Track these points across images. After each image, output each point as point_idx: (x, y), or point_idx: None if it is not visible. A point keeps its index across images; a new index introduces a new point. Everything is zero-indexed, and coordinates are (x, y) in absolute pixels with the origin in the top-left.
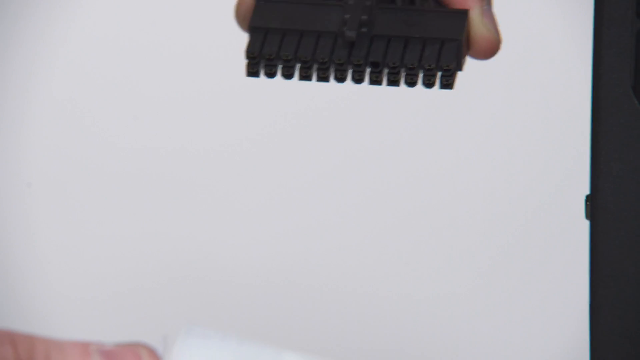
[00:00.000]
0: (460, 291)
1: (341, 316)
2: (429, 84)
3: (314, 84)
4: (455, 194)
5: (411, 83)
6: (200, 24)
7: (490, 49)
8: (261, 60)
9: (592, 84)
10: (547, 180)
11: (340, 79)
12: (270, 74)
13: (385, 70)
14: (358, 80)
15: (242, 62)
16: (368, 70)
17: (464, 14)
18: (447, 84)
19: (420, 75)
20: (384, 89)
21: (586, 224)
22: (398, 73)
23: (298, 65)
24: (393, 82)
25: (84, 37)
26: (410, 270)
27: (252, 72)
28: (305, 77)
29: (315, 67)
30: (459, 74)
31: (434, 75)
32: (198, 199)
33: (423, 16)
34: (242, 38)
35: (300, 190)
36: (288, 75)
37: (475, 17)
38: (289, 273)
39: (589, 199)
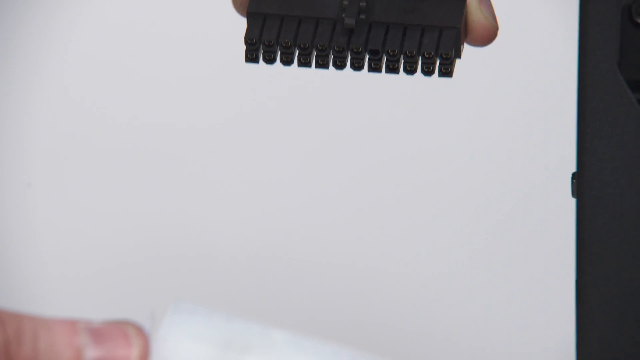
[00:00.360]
0: (451, 269)
1: (330, 295)
2: (427, 72)
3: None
4: (443, 171)
5: (410, 71)
6: (197, 6)
7: (487, 36)
8: (260, 46)
9: (578, 60)
10: (533, 158)
11: (340, 65)
12: (269, 60)
13: (385, 58)
14: (357, 67)
15: (236, 42)
16: (367, 57)
17: (462, 1)
18: (446, 72)
19: (419, 63)
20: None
21: (572, 202)
22: (397, 60)
23: (297, 52)
24: (392, 69)
25: (84, 38)
26: (401, 251)
27: (250, 58)
28: (304, 63)
29: (314, 53)
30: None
31: (433, 63)
32: (185, 177)
33: (421, 3)
34: (238, 22)
35: (291, 168)
36: (287, 62)
37: (473, 4)
38: (278, 250)
39: (575, 176)
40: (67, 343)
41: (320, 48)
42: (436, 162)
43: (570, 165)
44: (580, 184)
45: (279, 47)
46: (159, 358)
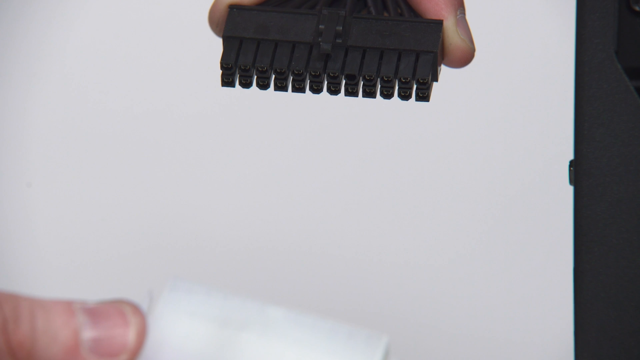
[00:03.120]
0: (450, 257)
1: (329, 287)
2: (405, 96)
3: None
4: (441, 161)
5: (387, 95)
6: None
7: (464, 59)
8: (236, 70)
9: (576, 48)
10: (531, 146)
11: (316, 90)
12: (246, 84)
13: (361, 82)
14: (334, 91)
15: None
16: (344, 81)
17: (438, 24)
18: (423, 96)
19: (396, 88)
20: None
21: (570, 190)
22: (374, 85)
23: (273, 76)
24: (369, 93)
25: (84, 38)
26: (399, 243)
27: (226, 82)
28: (280, 87)
29: (290, 78)
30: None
31: (410, 88)
32: (183, 170)
33: (398, 26)
34: None
35: (291, 159)
36: (263, 86)
37: (450, 27)
38: (278, 241)
39: (572, 164)
40: (65, 322)
41: (297, 73)
42: (434, 152)
43: (568, 152)
44: (578, 171)
45: (255, 72)
46: (156, 335)
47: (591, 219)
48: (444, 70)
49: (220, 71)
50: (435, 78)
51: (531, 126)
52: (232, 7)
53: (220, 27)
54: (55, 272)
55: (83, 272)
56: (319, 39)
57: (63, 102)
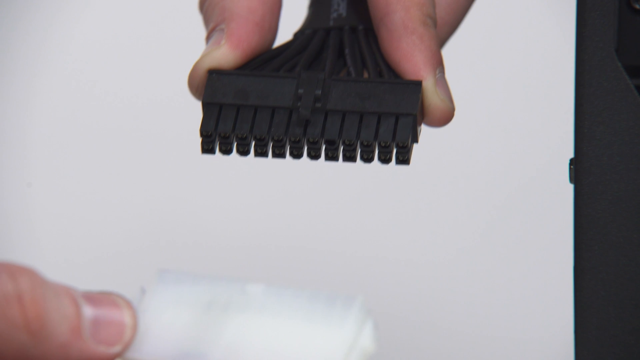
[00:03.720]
0: (449, 255)
1: (326, 276)
2: (385, 160)
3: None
4: (442, 159)
5: (367, 159)
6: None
7: (444, 119)
8: (216, 137)
9: (576, 46)
10: (531, 144)
11: (296, 155)
12: (226, 151)
13: (341, 147)
14: (314, 156)
15: None
16: (324, 146)
17: (417, 85)
18: (404, 159)
19: (376, 152)
20: None
21: (570, 188)
22: (354, 149)
23: (253, 143)
24: (349, 158)
25: (85, 38)
26: (398, 240)
27: (206, 149)
28: (260, 153)
29: (270, 144)
30: None
31: (390, 152)
32: (182, 161)
33: (377, 88)
34: None
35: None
36: (243, 152)
37: (429, 87)
38: (277, 238)
39: (572, 162)
40: (71, 302)
41: (277, 139)
42: (434, 150)
43: (568, 151)
44: (578, 169)
45: (234, 139)
46: (142, 327)
47: (591, 217)
48: (447, 69)
49: (200, 138)
50: (415, 140)
51: (531, 124)
52: (211, 72)
53: (199, 92)
54: (56, 272)
55: (83, 272)
56: (298, 104)
57: (63, 102)
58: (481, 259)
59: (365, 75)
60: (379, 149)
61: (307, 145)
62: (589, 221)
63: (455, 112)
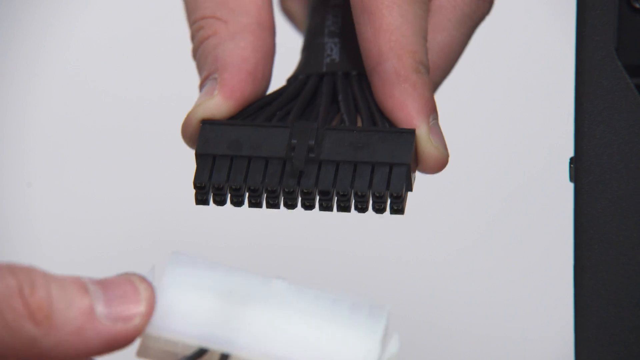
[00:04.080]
0: (449, 254)
1: (326, 275)
2: (379, 209)
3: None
4: None
5: (361, 209)
6: None
7: (437, 167)
8: (209, 189)
9: (576, 45)
10: (531, 143)
11: (291, 205)
12: (219, 202)
13: (335, 197)
14: (308, 207)
15: None
16: (317, 197)
17: (411, 134)
18: (398, 209)
19: (370, 202)
20: None
21: (570, 187)
22: (348, 200)
23: (247, 194)
24: (343, 208)
25: (84, 38)
26: (398, 239)
27: (200, 200)
28: (254, 204)
29: (264, 194)
30: None
31: (384, 202)
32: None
33: (370, 137)
34: None
35: None
36: (237, 203)
37: (422, 135)
38: (278, 229)
39: (572, 161)
40: (78, 289)
41: (270, 190)
42: None
43: (568, 150)
44: (578, 168)
45: (228, 190)
46: (164, 305)
47: (591, 216)
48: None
49: (194, 190)
50: (409, 189)
51: (531, 123)
52: (204, 123)
53: (192, 141)
54: (56, 272)
55: (84, 273)
56: (292, 154)
57: (63, 102)
58: (481, 258)
59: (359, 122)
60: (373, 199)
61: (301, 195)
62: (589, 220)
63: (454, 112)
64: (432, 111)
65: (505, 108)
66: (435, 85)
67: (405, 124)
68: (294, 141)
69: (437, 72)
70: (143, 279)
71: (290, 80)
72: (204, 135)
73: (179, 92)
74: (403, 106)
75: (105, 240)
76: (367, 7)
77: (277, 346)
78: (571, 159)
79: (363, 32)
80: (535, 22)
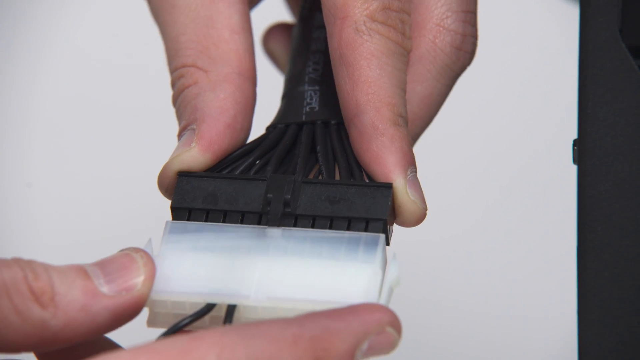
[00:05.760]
0: (452, 237)
1: None
2: None
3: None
4: (444, 140)
5: None
6: None
7: (415, 221)
8: None
9: (580, 26)
10: (534, 125)
11: None
12: None
13: None
14: None
15: None
16: None
17: (388, 188)
18: None
19: None
20: None
21: (574, 169)
22: None
23: None
24: None
25: (84, 38)
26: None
27: None
28: None
29: None
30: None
31: None
32: None
33: (347, 191)
34: None
35: None
36: None
37: (400, 188)
38: None
39: (576, 143)
40: (77, 272)
41: None
42: (437, 131)
43: (572, 132)
44: (582, 150)
45: None
46: (164, 273)
47: (595, 198)
48: None
49: None
50: (386, 243)
51: (535, 106)
52: (180, 175)
53: (169, 192)
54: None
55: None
56: (268, 208)
57: (63, 102)
58: (483, 240)
59: (338, 173)
60: None
61: None
62: (593, 202)
63: (456, 91)
64: (409, 164)
65: (508, 91)
66: (415, 135)
67: (382, 178)
68: (269, 195)
69: (417, 122)
70: (138, 249)
71: (270, 129)
72: (180, 189)
73: None
74: (380, 160)
75: (106, 240)
76: (346, 59)
77: (280, 289)
78: (574, 141)
79: (341, 84)
80: (540, 3)
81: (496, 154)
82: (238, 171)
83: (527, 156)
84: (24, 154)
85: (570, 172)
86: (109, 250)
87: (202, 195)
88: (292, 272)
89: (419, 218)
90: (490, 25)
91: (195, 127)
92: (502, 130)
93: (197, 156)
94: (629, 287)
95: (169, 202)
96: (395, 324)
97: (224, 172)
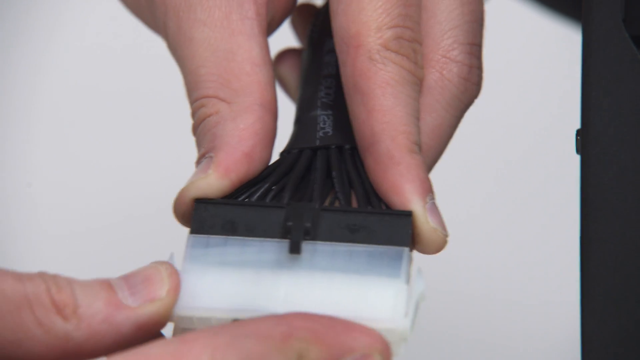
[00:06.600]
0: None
1: None
2: None
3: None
4: None
5: None
6: None
7: (436, 248)
8: None
9: (583, 16)
10: (537, 115)
11: None
12: None
13: None
14: None
15: None
16: None
17: (408, 216)
18: None
19: None
20: None
21: (577, 159)
22: None
23: None
24: None
25: (84, 38)
26: None
27: None
28: None
29: None
30: None
31: None
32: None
33: (367, 219)
34: None
35: None
36: None
37: (419, 217)
38: None
39: (579, 133)
40: (101, 285)
41: None
42: None
43: (575, 121)
44: (585, 140)
45: None
46: (189, 288)
47: (598, 187)
48: None
49: None
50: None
51: (538, 95)
52: (198, 202)
53: (185, 219)
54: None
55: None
56: (288, 236)
57: (63, 102)
58: (486, 230)
59: (354, 199)
60: None
61: None
62: (596, 192)
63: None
64: (428, 191)
65: (511, 81)
66: (428, 166)
67: (401, 207)
68: (289, 223)
69: (429, 153)
70: (163, 262)
71: (284, 154)
72: (198, 215)
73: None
74: (398, 188)
75: (106, 240)
76: (360, 87)
77: (307, 305)
78: (578, 130)
79: (356, 112)
80: None
81: (499, 144)
82: (255, 197)
83: (530, 146)
84: (24, 154)
85: (573, 162)
86: (109, 250)
87: (220, 223)
88: (317, 287)
89: (440, 246)
90: (494, 15)
91: (212, 154)
92: (505, 120)
93: (213, 183)
94: (632, 276)
95: (169, 202)
96: (385, 354)
97: (240, 198)
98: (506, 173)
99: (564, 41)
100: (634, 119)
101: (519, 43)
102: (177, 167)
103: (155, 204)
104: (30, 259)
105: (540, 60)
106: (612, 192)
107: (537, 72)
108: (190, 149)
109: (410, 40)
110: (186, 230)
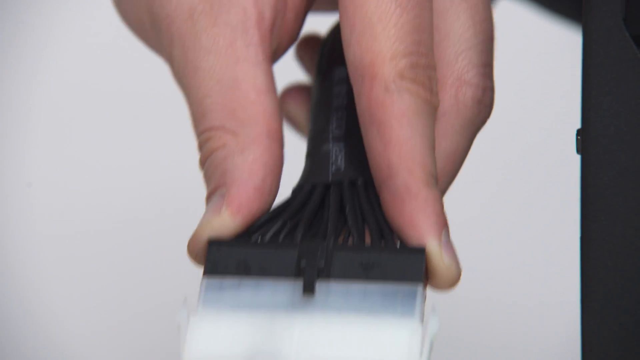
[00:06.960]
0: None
1: None
2: None
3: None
4: None
5: None
6: None
7: (449, 285)
8: None
9: (583, 15)
10: (538, 115)
11: None
12: None
13: None
14: None
15: None
16: None
17: (421, 253)
18: None
19: None
20: None
21: (577, 159)
22: None
23: None
24: None
25: (84, 38)
26: None
27: None
28: None
29: None
30: None
31: None
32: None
33: (380, 257)
34: None
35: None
36: None
37: (435, 254)
38: None
39: (579, 133)
40: None
41: None
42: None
43: (575, 121)
44: (585, 140)
45: None
46: (204, 335)
47: (598, 188)
48: None
49: None
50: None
51: (538, 95)
52: (211, 243)
53: (199, 259)
54: (56, 272)
55: (84, 273)
56: (303, 276)
57: (63, 102)
58: (487, 230)
59: (367, 235)
60: None
61: None
62: (596, 192)
63: None
64: (443, 227)
65: (511, 81)
66: (442, 192)
67: (416, 241)
68: (302, 264)
69: (444, 178)
70: None
71: (296, 191)
72: (212, 256)
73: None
74: (414, 224)
75: (106, 240)
76: (376, 118)
77: (321, 349)
78: (578, 130)
79: (372, 144)
80: None
81: (499, 144)
82: (267, 236)
83: (530, 146)
84: (24, 154)
85: (573, 162)
86: (109, 249)
87: (233, 264)
88: (332, 330)
89: (454, 282)
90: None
91: (224, 191)
92: (506, 120)
93: (227, 222)
94: (632, 276)
95: (169, 204)
96: None
97: (253, 238)
98: (506, 173)
99: (564, 41)
100: (635, 119)
101: (519, 44)
102: (177, 167)
103: (155, 203)
104: (30, 259)
105: (541, 61)
106: (612, 192)
107: (537, 72)
108: (190, 149)
109: (425, 67)
110: (186, 232)
